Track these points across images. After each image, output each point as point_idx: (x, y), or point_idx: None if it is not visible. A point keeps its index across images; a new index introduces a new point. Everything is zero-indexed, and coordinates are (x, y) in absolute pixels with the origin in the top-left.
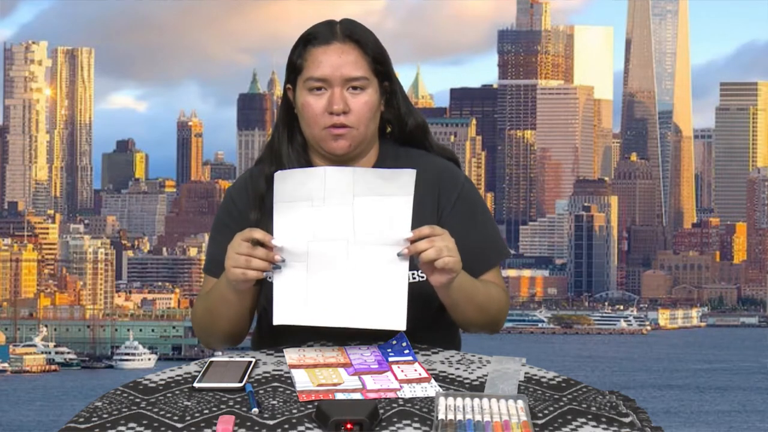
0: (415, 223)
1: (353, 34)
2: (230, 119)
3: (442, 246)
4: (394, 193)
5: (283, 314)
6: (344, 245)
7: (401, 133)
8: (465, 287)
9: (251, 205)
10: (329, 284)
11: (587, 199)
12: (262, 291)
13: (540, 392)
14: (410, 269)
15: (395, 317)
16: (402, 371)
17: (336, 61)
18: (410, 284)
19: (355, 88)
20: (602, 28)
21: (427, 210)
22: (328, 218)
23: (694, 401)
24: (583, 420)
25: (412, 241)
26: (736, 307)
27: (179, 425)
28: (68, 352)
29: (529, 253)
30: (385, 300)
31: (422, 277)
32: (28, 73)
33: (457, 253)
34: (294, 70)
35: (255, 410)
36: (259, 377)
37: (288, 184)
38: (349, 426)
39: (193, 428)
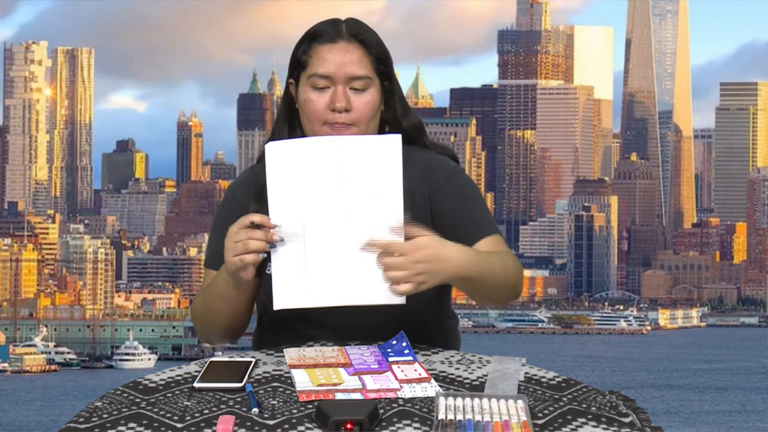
0: (410, 215)
1: (359, 33)
2: (230, 119)
3: (416, 264)
4: (382, 159)
5: (283, 299)
6: (339, 219)
7: (397, 133)
8: (477, 276)
9: (252, 197)
10: (327, 264)
11: (587, 199)
12: (262, 285)
13: (540, 392)
14: None
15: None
16: (402, 371)
17: (341, 59)
18: None
19: (357, 87)
20: (602, 28)
21: (418, 201)
22: (321, 192)
23: (694, 401)
24: (583, 420)
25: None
26: (736, 307)
27: (179, 425)
28: (68, 352)
29: (529, 253)
30: (383, 276)
31: None
32: (28, 73)
33: (437, 266)
34: (298, 65)
35: (255, 410)
36: (259, 377)
37: (279, 156)
38: (349, 426)
39: (193, 428)
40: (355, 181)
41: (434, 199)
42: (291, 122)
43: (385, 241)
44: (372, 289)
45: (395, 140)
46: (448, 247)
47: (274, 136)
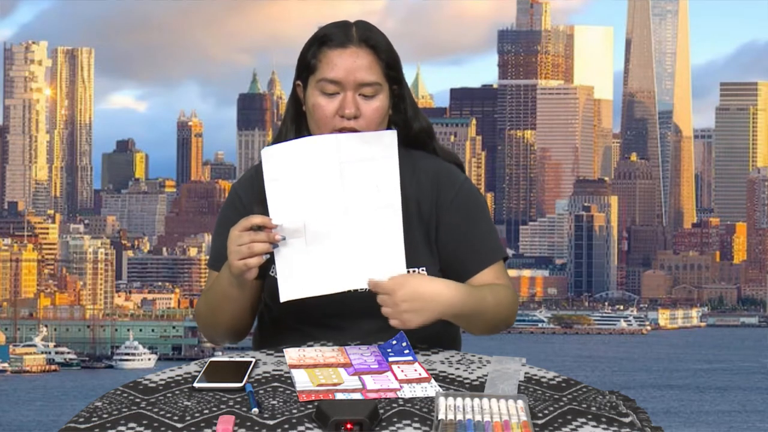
0: (415, 223)
1: (369, 38)
2: (230, 119)
3: (400, 304)
4: (378, 155)
5: (289, 290)
6: (338, 214)
7: (407, 137)
8: (468, 315)
9: (256, 199)
10: (328, 254)
11: (587, 199)
12: (266, 286)
13: (540, 392)
14: (410, 266)
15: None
16: (402, 371)
17: (351, 64)
18: None
19: (367, 93)
20: (602, 28)
21: (425, 209)
22: (319, 189)
23: (694, 401)
24: (583, 420)
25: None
26: (736, 307)
27: (179, 425)
28: (68, 352)
29: (529, 253)
30: (383, 261)
31: (422, 274)
32: (28, 73)
33: (418, 306)
34: (306, 68)
35: (255, 410)
36: (259, 377)
37: (275, 160)
38: (349, 426)
39: (193, 428)
40: (352, 176)
41: (441, 212)
42: (298, 124)
43: (374, 281)
44: (373, 275)
45: (391, 135)
46: (436, 285)
47: (281, 137)
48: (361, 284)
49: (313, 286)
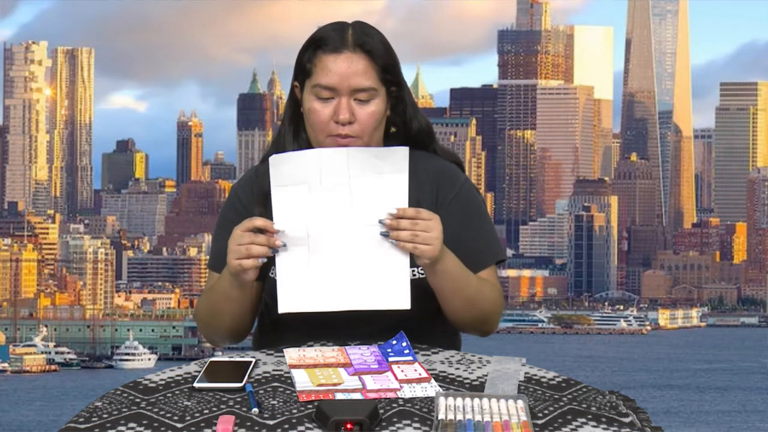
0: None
1: (365, 43)
2: (230, 119)
3: (419, 232)
4: (388, 170)
5: (288, 302)
6: (344, 226)
7: (406, 138)
8: (452, 275)
9: (256, 201)
10: (331, 268)
11: (587, 199)
12: (265, 287)
13: (540, 392)
14: (411, 266)
15: (399, 297)
16: (402, 371)
17: (345, 70)
18: (410, 281)
19: (362, 98)
20: (602, 28)
21: (425, 208)
22: (326, 200)
23: (694, 401)
24: (583, 420)
25: (397, 218)
26: (736, 307)
27: (179, 425)
28: (68, 352)
29: (529, 253)
30: (387, 281)
31: (422, 274)
32: (28, 73)
33: (437, 242)
34: (303, 72)
35: (255, 410)
36: (259, 377)
37: (283, 167)
38: (349, 426)
39: (193, 428)
40: (361, 190)
41: (440, 212)
42: (296, 125)
43: (414, 209)
44: (376, 294)
45: (402, 152)
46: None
47: (280, 137)
48: (362, 306)
49: (312, 301)
